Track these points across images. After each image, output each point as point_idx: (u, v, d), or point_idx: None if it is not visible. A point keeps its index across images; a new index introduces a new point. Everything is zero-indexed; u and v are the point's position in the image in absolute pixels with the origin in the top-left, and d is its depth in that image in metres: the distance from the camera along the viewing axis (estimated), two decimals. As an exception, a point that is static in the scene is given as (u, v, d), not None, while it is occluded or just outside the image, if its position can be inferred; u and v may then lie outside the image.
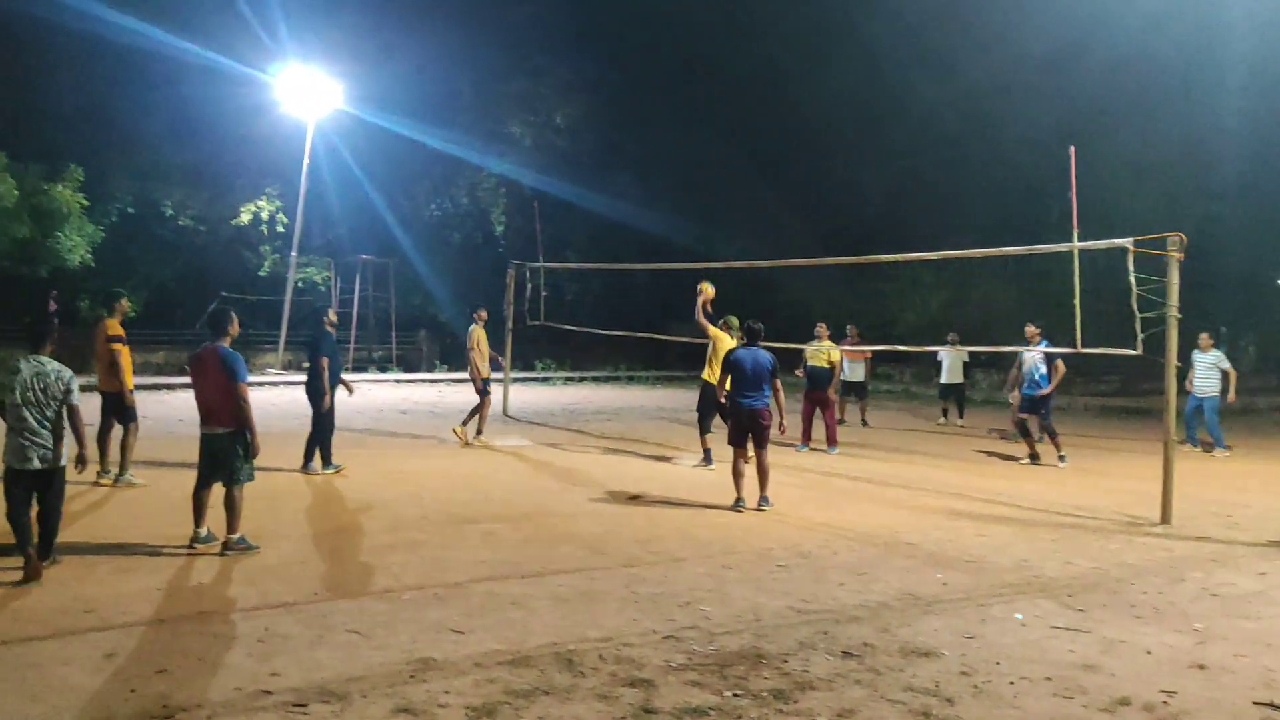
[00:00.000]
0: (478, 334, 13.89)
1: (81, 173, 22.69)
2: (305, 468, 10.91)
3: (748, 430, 9.73)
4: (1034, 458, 13.45)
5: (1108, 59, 26.49)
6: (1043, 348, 13.24)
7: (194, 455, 7.59)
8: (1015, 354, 14.47)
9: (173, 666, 4.93)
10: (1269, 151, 23.96)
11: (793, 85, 32.79)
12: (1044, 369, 13.25)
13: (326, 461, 11.01)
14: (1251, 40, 23.58)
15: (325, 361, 10.89)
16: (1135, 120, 26.46)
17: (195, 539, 7.38)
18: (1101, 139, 25.23)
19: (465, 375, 16.23)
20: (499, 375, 15.22)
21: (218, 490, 7.39)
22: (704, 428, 12.55)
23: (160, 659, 5.03)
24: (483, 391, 13.85)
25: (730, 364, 9.85)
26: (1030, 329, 13.78)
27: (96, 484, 9.75)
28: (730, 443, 9.87)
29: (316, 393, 10.94)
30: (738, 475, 9.68)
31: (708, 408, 12.36)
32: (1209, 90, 25.68)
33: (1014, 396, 14.45)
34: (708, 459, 12.36)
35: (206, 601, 6.07)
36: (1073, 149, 10.21)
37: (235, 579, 6.60)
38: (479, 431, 14.01)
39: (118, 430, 9.93)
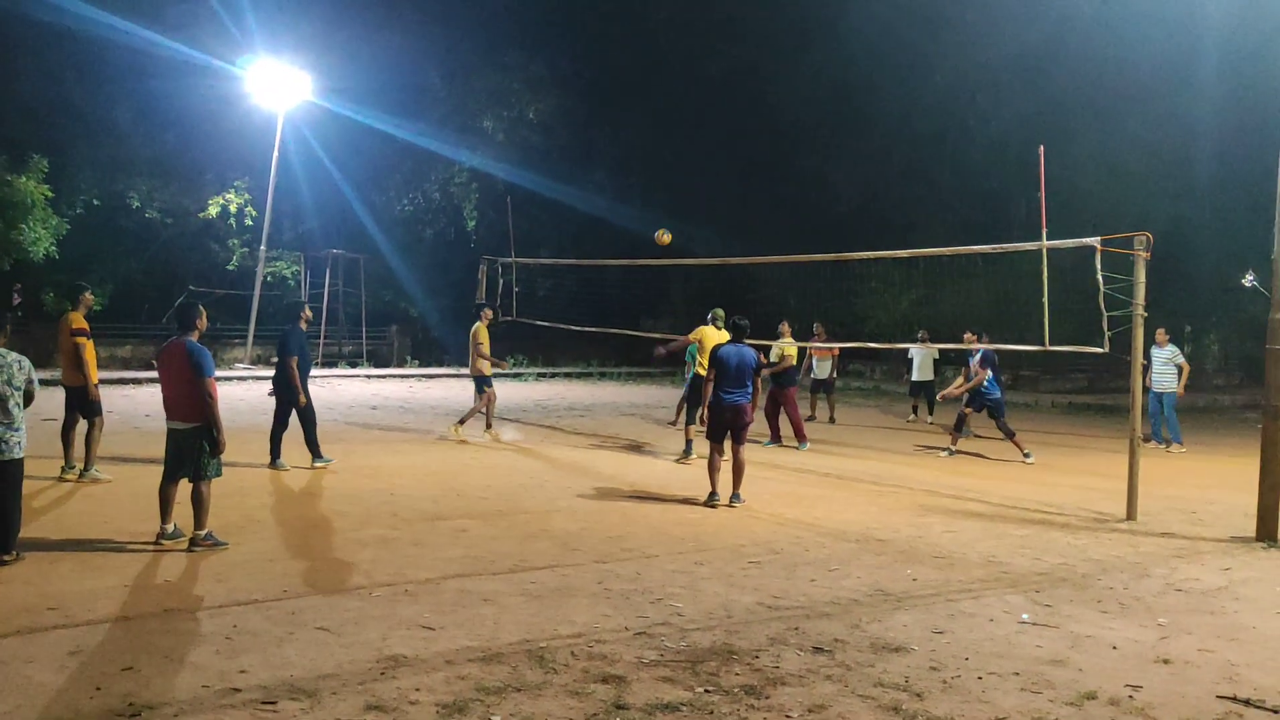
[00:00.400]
0: (482, 332, 13.92)
1: (46, 164, 22.33)
2: (274, 464, 10.82)
3: (729, 426, 9.77)
4: (950, 451, 13.98)
5: (1078, 61, 26.74)
6: (980, 349, 13.73)
7: (160, 450, 7.51)
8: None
9: (139, 664, 4.87)
10: (1236, 153, 24.22)
11: (766, 83, 32.87)
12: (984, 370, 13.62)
13: (317, 455, 10.97)
14: (1220, 42, 23.87)
15: (294, 360, 10.81)
16: (1104, 121, 26.73)
17: (161, 535, 7.30)
18: (1071, 140, 25.49)
19: (436, 371, 16.23)
20: (468, 371, 15.21)
21: (185, 486, 7.31)
22: (689, 418, 12.72)
23: (126, 656, 4.97)
24: (481, 389, 13.89)
25: (715, 360, 9.86)
26: (968, 335, 14.39)
27: (61, 479, 9.63)
28: (709, 438, 9.89)
29: (281, 387, 10.90)
30: (714, 470, 9.71)
31: (696, 399, 12.56)
32: (1177, 92, 25.96)
33: (952, 393, 14.71)
34: (688, 451, 12.53)
35: (173, 598, 6.00)
36: (1042, 148, 10.31)
37: (203, 576, 6.54)
38: (488, 425, 14.07)
39: (82, 425, 9.81)
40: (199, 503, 7.27)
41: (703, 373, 11.97)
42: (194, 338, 7.47)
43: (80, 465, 9.74)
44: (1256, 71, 21.62)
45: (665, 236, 13.52)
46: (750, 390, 9.83)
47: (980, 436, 15.55)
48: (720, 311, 12.73)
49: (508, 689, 4.69)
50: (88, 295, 10.07)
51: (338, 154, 27.81)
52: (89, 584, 6.22)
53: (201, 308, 7.76)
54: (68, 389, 9.80)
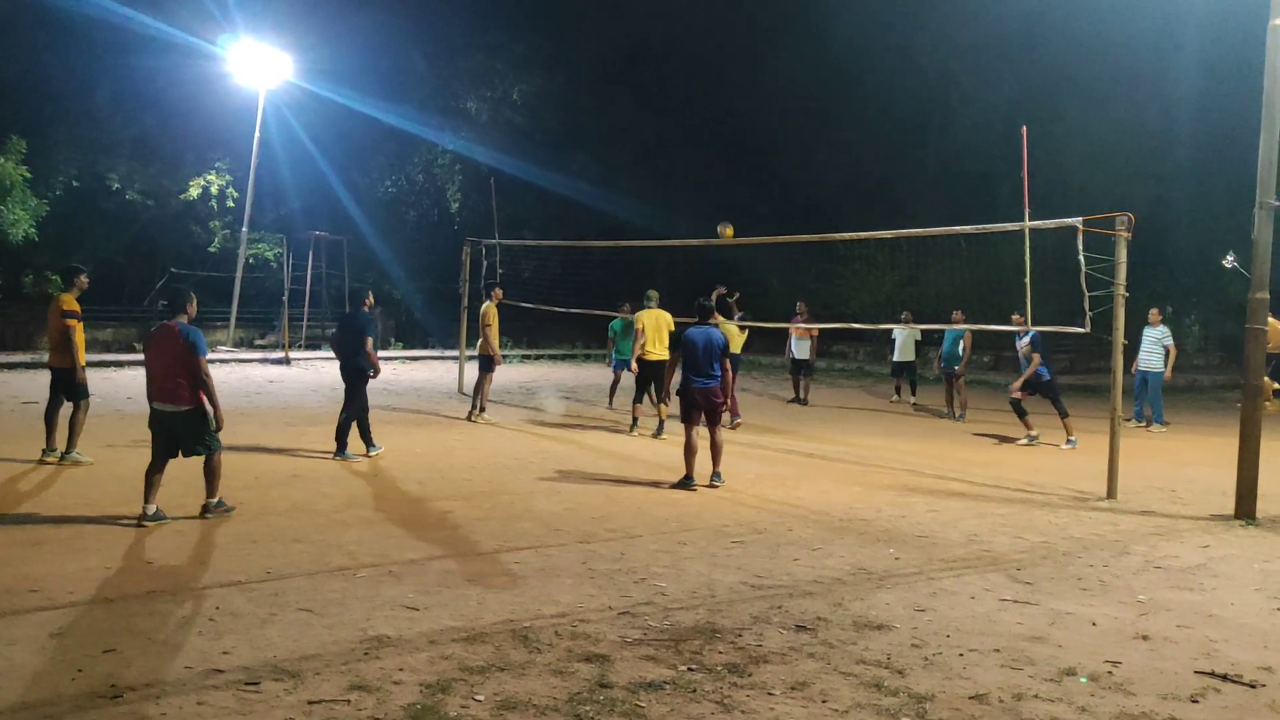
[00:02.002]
0: (491, 312, 13.90)
1: (25, 145, 22.07)
2: (340, 454, 10.48)
3: (700, 409, 9.74)
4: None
5: (1061, 42, 26.78)
6: (1029, 331, 13.19)
7: (142, 433, 7.48)
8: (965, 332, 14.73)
9: (121, 645, 4.86)
10: (1217, 136, 24.35)
11: (750, 67, 32.81)
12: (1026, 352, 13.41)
13: (370, 444, 10.81)
14: (1202, 25, 23.92)
15: (371, 342, 10.78)
16: (1087, 103, 26.79)
17: (144, 516, 7.29)
18: (1054, 121, 25.55)
19: (420, 353, 16.24)
20: (455, 353, 15.23)
21: (179, 467, 7.32)
22: (657, 397, 12.89)
23: (108, 638, 4.95)
24: (485, 368, 13.93)
25: (683, 344, 9.78)
26: (1015, 317, 13.58)
27: (41, 462, 9.57)
28: (683, 420, 9.88)
29: (358, 373, 10.73)
30: (690, 452, 9.69)
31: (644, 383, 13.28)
32: (1160, 74, 26.04)
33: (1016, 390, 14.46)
34: (660, 429, 12.97)
35: (155, 580, 5.98)
36: (1024, 128, 10.33)
37: (185, 558, 6.52)
38: (481, 409, 14.04)
39: (67, 408, 9.74)
40: (211, 473, 7.58)
41: (654, 356, 12.76)
42: (184, 321, 7.54)
43: (61, 448, 9.67)
44: (1236, 54, 21.67)
45: (728, 230, 13.59)
46: (719, 373, 9.67)
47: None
48: (653, 293, 13.25)
49: (491, 668, 4.70)
50: (83, 278, 9.90)
51: (319, 135, 27.60)
52: (70, 566, 6.19)
53: (192, 294, 7.85)
54: (54, 370, 9.72)
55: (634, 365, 13.18)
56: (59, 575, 5.99)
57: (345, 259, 28.74)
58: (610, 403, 16.25)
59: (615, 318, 16.39)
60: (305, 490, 8.88)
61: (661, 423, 13.05)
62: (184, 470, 7.86)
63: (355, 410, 10.72)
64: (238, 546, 6.84)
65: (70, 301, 9.58)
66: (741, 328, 14.80)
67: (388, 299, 30.75)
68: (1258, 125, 8.89)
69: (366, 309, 11.24)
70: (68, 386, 9.67)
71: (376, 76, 27.72)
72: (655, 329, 12.98)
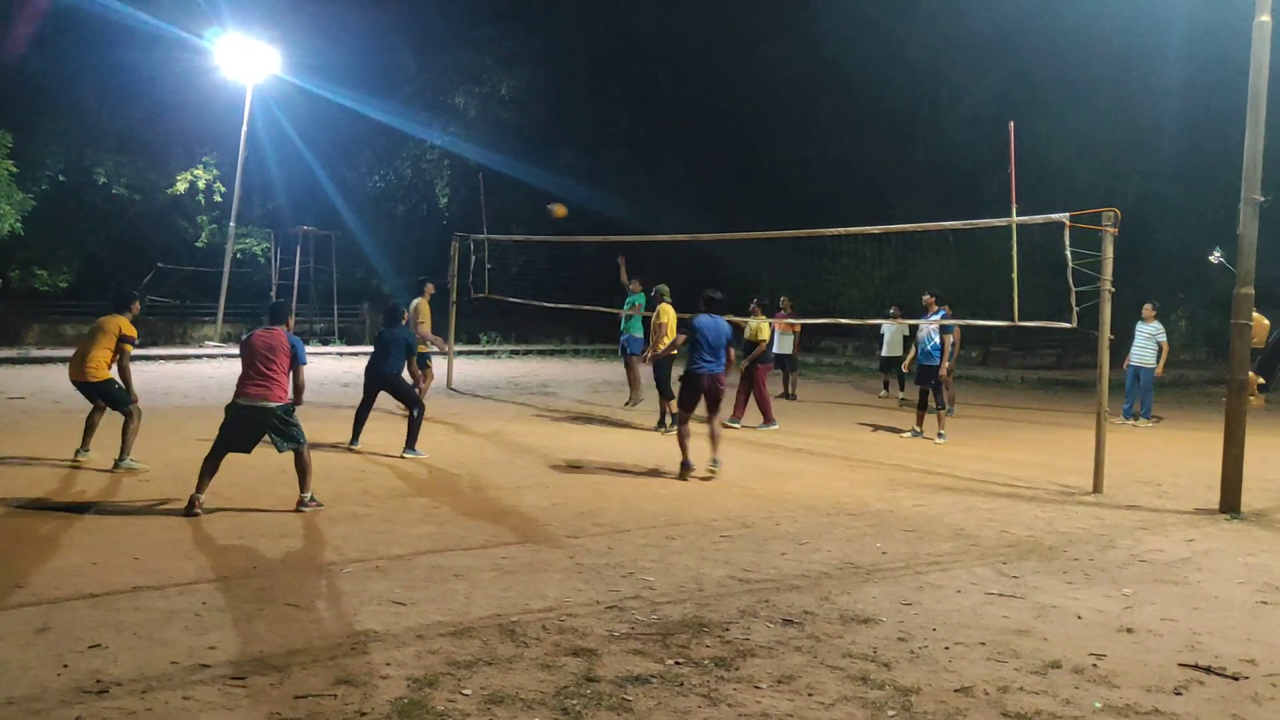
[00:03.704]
0: (423, 308, 13.74)
1: (10, 138, 21.95)
2: (411, 450, 10.64)
3: (704, 394, 9.89)
4: (915, 433, 13.38)
5: (1049, 37, 26.82)
6: (938, 318, 13.11)
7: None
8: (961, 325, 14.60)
9: (107, 641, 4.84)
10: (1204, 131, 24.44)
11: (739, 61, 32.77)
12: (936, 339, 12.95)
13: (356, 438, 11.03)
14: (1188, 21, 23.98)
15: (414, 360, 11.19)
16: (1075, 99, 26.84)
17: (195, 504, 7.56)
18: (1042, 117, 25.60)
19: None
20: (435, 351, 15.08)
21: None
22: (665, 394, 12.87)
23: (94, 634, 4.93)
24: (421, 364, 13.76)
25: (694, 331, 9.95)
26: (926, 297, 13.65)
27: (74, 464, 9.38)
28: (681, 407, 10.01)
29: (409, 383, 11.12)
30: (684, 438, 9.83)
31: (666, 376, 13.02)
32: (1147, 70, 26.12)
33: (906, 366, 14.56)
34: (663, 422, 12.99)
35: (142, 576, 5.95)
36: (1012, 124, 10.36)
37: (171, 553, 6.50)
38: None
39: (110, 415, 9.52)
40: (305, 468, 7.89)
41: (664, 344, 12.43)
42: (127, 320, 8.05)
43: (97, 450, 9.50)
44: (1223, 50, 21.76)
45: (560, 209, 13.68)
46: (725, 360, 9.95)
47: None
48: (665, 287, 13.18)
49: (479, 663, 4.70)
50: (137, 304, 9.70)
51: (307, 130, 27.49)
52: (56, 562, 6.17)
53: (135, 293, 8.43)
54: (98, 385, 9.37)
55: (650, 358, 13.11)
56: (45, 570, 5.96)
57: (333, 254, 28.68)
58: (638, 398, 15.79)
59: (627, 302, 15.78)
60: (291, 486, 8.83)
61: (665, 415, 13.09)
62: (185, 468, 7.84)
63: (419, 405, 10.91)
64: (224, 542, 6.83)
65: (130, 327, 9.40)
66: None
67: (375, 294, 30.69)
68: (1244, 121, 8.94)
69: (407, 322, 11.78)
70: (103, 397, 9.44)
71: (364, 71, 27.62)
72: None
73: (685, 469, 9.69)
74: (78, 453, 9.46)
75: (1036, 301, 12.45)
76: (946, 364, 12.95)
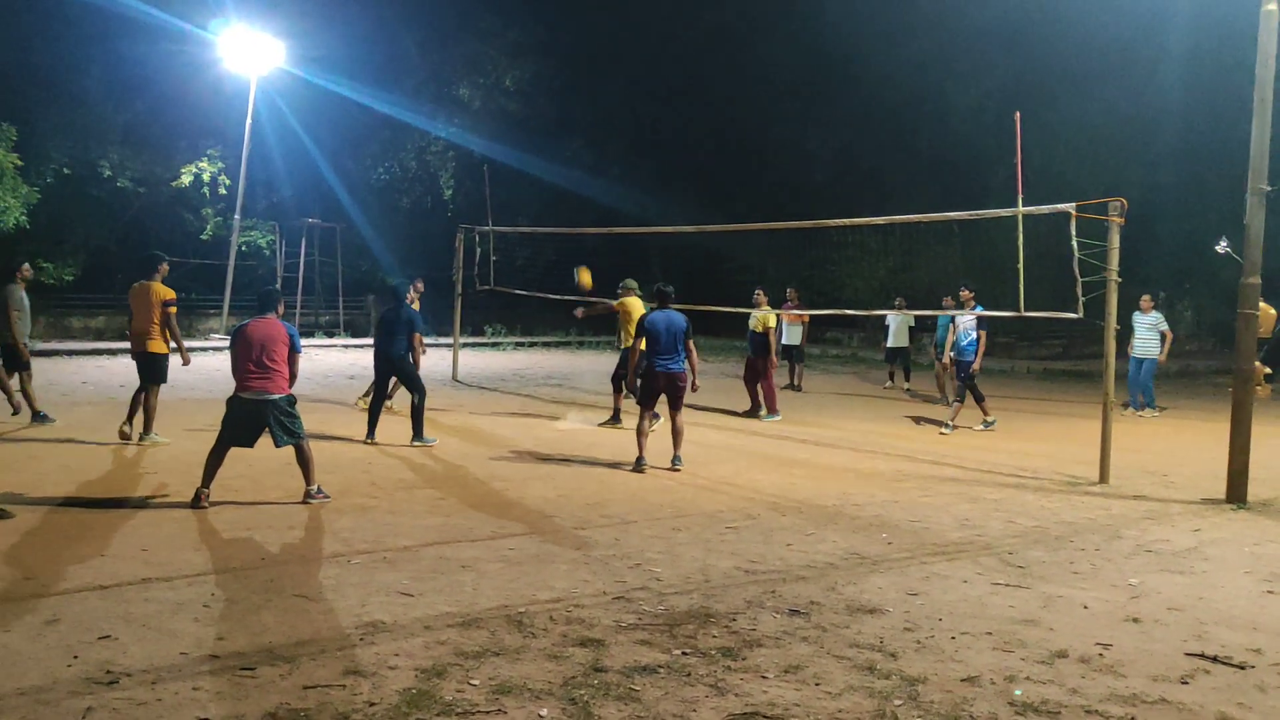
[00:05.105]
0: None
1: (15, 131, 21.95)
2: (420, 439, 10.76)
3: (662, 393, 9.83)
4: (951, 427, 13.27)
5: (1054, 28, 26.70)
6: (978, 312, 13.13)
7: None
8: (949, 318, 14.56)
9: (117, 632, 4.87)
10: (1210, 120, 24.37)
11: (743, 52, 32.70)
12: (974, 335, 12.98)
13: (371, 427, 11.06)
14: (1194, 9, 23.88)
15: (419, 337, 11.21)
16: (1081, 89, 26.76)
17: (202, 498, 7.61)
18: (1047, 107, 25.50)
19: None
20: (448, 340, 15.09)
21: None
22: (617, 388, 12.79)
23: (104, 625, 4.96)
24: None
25: (645, 328, 9.88)
26: (965, 293, 13.59)
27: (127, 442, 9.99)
28: (640, 404, 9.95)
29: (413, 364, 11.14)
30: (642, 435, 9.76)
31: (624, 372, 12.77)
32: (1153, 60, 26.01)
33: (946, 360, 14.53)
34: (615, 418, 12.74)
35: (151, 567, 5.98)
36: (1018, 114, 10.31)
37: (180, 545, 6.52)
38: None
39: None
40: (307, 461, 7.89)
41: (629, 343, 12.17)
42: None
43: (139, 430, 10.13)
44: (1229, 39, 21.67)
45: (585, 275, 13.69)
46: (683, 356, 9.82)
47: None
48: (632, 282, 13.01)
49: (486, 653, 4.72)
50: (165, 265, 10.42)
51: (311, 122, 27.47)
52: (66, 554, 6.20)
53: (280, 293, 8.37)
54: (149, 356, 10.07)
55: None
56: (55, 562, 5.99)
57: (338, 246, 28.68)
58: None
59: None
60: (297, 478, 8.86)
61: (616, 410, 12.85)
62: (184, 463, 7.85)
63: (420, 391, 10.99)
64: (232, 533, 6.85)
65: (166, 290, 10.10)
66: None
67: (380, 286, 30.70)
68: (1250, 111, 8.91)
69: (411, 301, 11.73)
70: (150, 369, 10.08)
71: (369, 63, 27.59)
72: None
73: (639, 464, 9.63)
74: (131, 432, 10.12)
75: (1042, 292, 12.42)
76: (979, 361, 12.97)
